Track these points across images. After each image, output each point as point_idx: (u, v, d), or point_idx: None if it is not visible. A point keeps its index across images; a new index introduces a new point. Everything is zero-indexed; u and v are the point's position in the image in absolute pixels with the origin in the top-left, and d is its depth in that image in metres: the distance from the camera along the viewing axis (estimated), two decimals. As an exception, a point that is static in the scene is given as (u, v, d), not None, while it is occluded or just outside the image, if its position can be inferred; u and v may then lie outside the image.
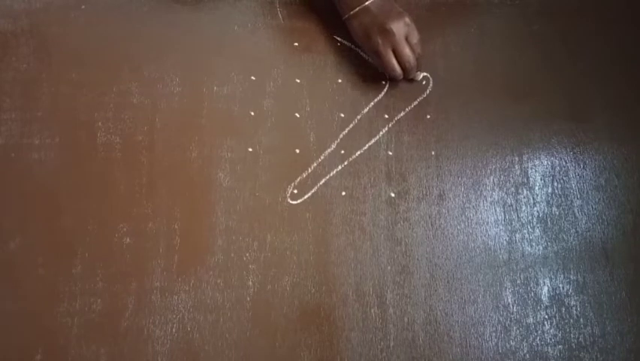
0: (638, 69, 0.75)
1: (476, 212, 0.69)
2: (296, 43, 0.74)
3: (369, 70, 0.74)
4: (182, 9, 0.75)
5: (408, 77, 0.71)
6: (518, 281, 0.67)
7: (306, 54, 0.74)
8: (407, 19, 0.67)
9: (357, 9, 0.67)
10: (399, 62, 0.68)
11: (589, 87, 0.74)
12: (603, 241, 0.69)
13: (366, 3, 0.67)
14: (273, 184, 0.69)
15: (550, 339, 0.65)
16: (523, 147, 0.72)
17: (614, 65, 0.75)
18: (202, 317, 0.64)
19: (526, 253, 0.68)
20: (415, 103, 0.73)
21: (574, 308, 0.66)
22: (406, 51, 0.67)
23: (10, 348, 0.62)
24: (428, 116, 0.72)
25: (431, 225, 0.68)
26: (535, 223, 0.69)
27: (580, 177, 0.71)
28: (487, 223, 0.69)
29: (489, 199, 0.70)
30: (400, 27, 0.66)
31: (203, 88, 0.72)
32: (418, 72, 0.72)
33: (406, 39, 0.67)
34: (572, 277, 0.67)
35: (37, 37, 0.73)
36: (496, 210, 0.69)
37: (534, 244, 0.68)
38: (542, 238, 0.68)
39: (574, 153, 0.72)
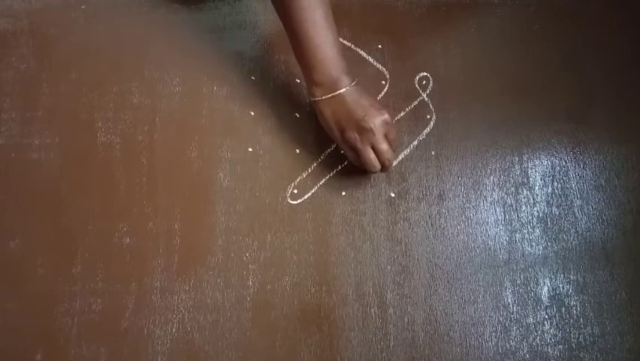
0: (638, 69, 0.75)
1: (476, 212, 0.69)
2: (296, 43, 0.74)
3: (369, 70, 0.74)
4: (182, 9, 0.75)
5: (384, 171, 0.67)
6: (518, 281, 0.67)
7: (306, 54, 0.74)
8: (387, 117, 0.62)
9: (330, 95, 0.61)
10: (378, 158, 0.63)
11: (589, 87, 0.74)
12: (603, 241, 0.69)
13: (341, 90, 0.61)
14: (273, 184, 0.69)
15: (550, 339, 0.65)
16: (523, 147, 0.72)
17: (614, 65, 0.75)
18: (202, 317, 0.64)
19: (526, 253, 0.68)
20: (415, 103, 0.73)
21: (574, 308, 0.66)
22: (386, 148, 0.62)
23: (10, 348, 0.62)
24: (428, 116, 0.72)
25: (431, 225, 0.68)
26: (535, 223, 0.69)
27: (580, 177, 0.71)
28: (487, 223, 0.69)
29: (489, 199, 0.70)
30: (380, 125, 0.61)
31: (203, 88, 0.72)
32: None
33: (385, 135, 0.62)
34: (572, 277, 0.67)
35: (37, 37, 0.73)
36: (496, 210, 0.69)
37: (534, 244, 0.68)
38: (542, 238, 0.68)
39: (574, 153, 0.72)
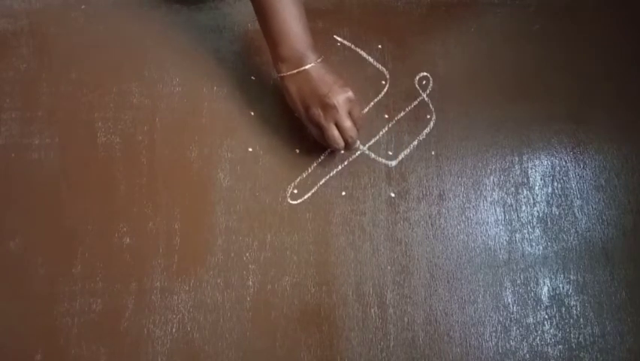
0: (638, 69, 0.75)
1: (476, 212, 0.69)
2: (296, 43, 0.74)
3: (369, 70, 0.74)
4: (182, 9, 0.75)
5: (348, 150, 0.67)
6: (518, 281, 0.67)
7: (306, 54, 0.74)
8: (350, 94, 0.62)
9: (295, 71, 0.62)
10: (341, 135, 0.63)
11: (589, 87, 0.74)
12: (603, 241, 0.69)
13: (307, 67, 0.61)
14: (273, 184, 0.69)
15: (550, 339, 0.65)
16: (523, 147, 0.72)
17: (614, 64, 0.75)
18: (202, 316, 0.64)
19: (526, 253, 0.68)
20: (415, 103, 0.73)
21: (574, 308, 0.66)
22: (349, 125, 0.63)
23: (10, 348, 0.62)
24: (428, 116, 0.72)
25: (431, 225, 0.68)
26: (535, 223, 0.69)
27: (580, 177, 0.71)
28: (487, 223, 0.69)
29: (489, 199, 0.70)
30: (344, 102, 0.61)
31: (203, 88, 0.72)
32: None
33: (349, 113, 0.63)
34: (572, 277, 0.67)
35: (37, 37, 0.73)
36: (496, 210, 0.69)
37: (534, 244, 0.68)
38: (542, 238, 0.68)
39: (574, 153, 0.72)
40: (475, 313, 0.65)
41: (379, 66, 0.74)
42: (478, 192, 0.70)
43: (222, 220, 0.67)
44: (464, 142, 0.71)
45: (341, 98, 0.61)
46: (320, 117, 0.62)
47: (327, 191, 0.69)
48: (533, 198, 0.70)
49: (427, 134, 0.71)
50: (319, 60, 0.62)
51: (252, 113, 0.71)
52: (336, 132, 0.63)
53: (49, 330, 0.63)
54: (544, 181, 0.71)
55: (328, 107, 0.61)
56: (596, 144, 0.72)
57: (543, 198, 0.70)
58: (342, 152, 0.69)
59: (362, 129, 0.71)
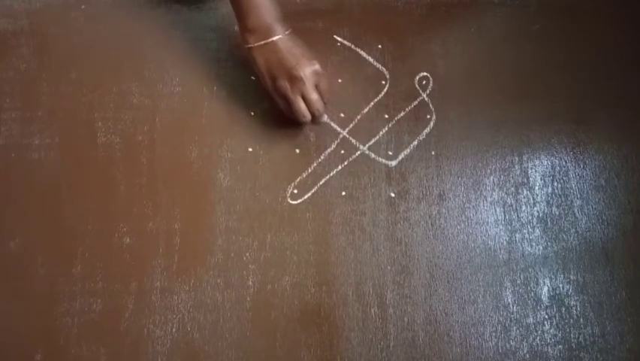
0: (638, 69, 0.75)
1: (476, 212, 0.69)
2: (296, 43, 0.74)
3: (369, 70, 0.74)
4: (182, 9, 0.75)
5: (315, 123, 0.68)
6: (518, 281, 0.67)
7: (306, 54, 0.74)
8: (318, 67, 0.63)
9: (263, 42, 0.62)
10: (308, 108, 0.64)
11: (589, 87, 0.74)
12: (603, 241, 0.69)
13: (274, 38, 0.61)
14: (273, 184, 0.69)
15: (550, 339, 0.65)
16: (523, 147, 0.72)
17: (614, 65, 0.75)
18: (202, 316, 0.64)
19: (526, 253, 0.68)
20: (415, 103, 0.73)
21: (574, 308, 0.66)
22: (316, 98, 0.63)
23: (10, 348, 0.62)
24: (428, 116, 0.72)
25: (431, 225, 0.68)
26: (535, 223, 0.69)
27: (580, 177, 0.71)
28: (487, 223, 0.69)
29: (489, 199, 0.70)
30: (311, 75, 0.62)
31: (203, 88, 0.72)
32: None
33: (316, 86, 0.63)
34: (572, 277, 0.67)
35: (37, 37, 0.73)
36: (496, 210, 0.69)
37: (534, 244, 0.68)
38: (542, 238, 0.68)
39: (574, 153, 0.72)
40: (475, 313, 0.65)
41: (379, 66, 0.74)
42: (478, 192, 0.70)
43: (222, 220, 0.67)
44: (464, 142, 0.71)
45: (308, 70, 0.62)
46: (287, 89, 0.62)
47: (327, 191, 0.69)
48: (533, 198, 0.70)
49: (427, 134, 0.71)
50: (287, 32, 0.62)
51: (252, 113, 0.71)
52: (302, 105, 0.63)
53: (49, 330, 0.63)
54: (544, 181, 0.71)
55: (295, 80, 0.61)
56: (596, 144, 0.72)
57: (543, 198, 0.70)
58: (311, 123, 0.68)
59: (362, 129, 0.71)
